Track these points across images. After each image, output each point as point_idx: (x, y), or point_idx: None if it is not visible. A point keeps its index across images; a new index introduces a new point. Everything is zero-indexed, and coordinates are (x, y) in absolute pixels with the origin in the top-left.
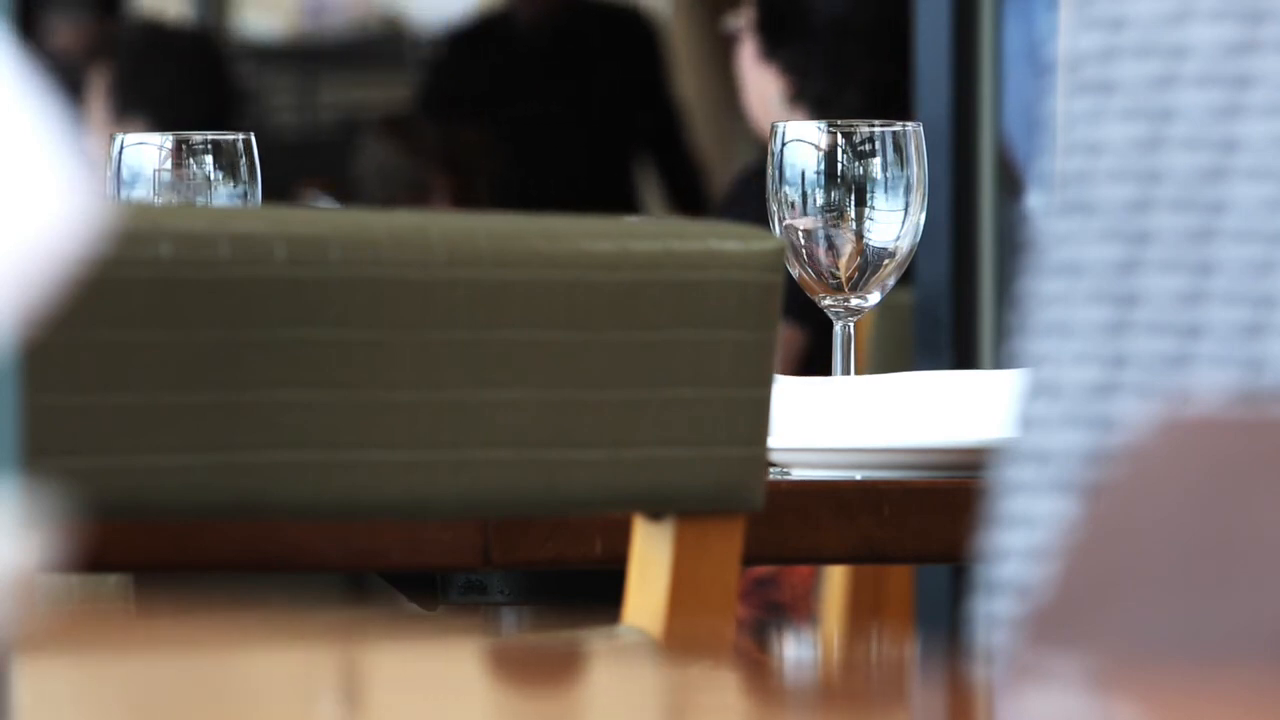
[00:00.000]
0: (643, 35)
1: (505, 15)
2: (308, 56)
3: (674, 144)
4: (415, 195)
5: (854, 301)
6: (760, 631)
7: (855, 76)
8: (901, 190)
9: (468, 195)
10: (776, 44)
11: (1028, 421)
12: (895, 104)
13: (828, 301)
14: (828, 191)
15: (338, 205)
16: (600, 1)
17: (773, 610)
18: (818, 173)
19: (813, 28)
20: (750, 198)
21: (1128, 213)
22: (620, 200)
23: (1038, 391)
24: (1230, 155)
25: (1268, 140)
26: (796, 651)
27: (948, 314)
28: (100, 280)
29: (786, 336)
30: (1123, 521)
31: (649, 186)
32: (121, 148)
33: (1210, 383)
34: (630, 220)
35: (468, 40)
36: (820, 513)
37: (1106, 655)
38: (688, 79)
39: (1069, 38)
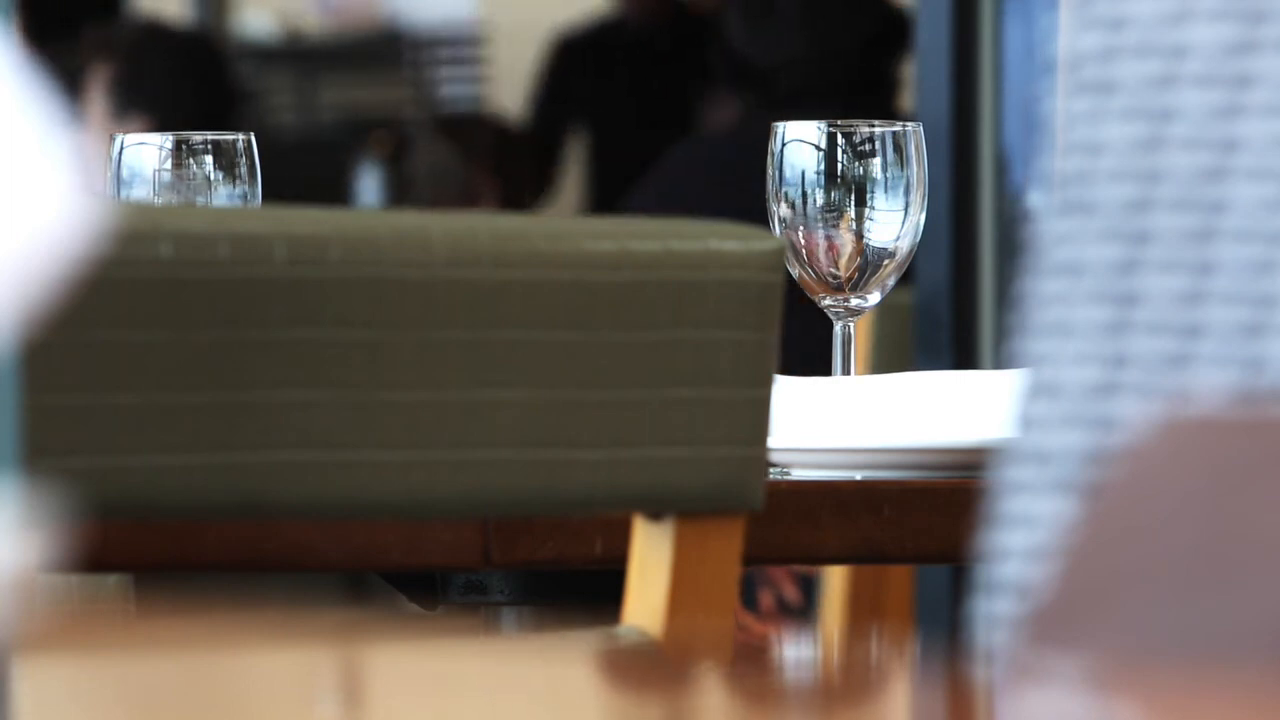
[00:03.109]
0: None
1: (618, 23)
2: (308, 56)
3: None
4: (464, 197)
5: (854, 301)
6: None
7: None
8: (901, 190)
9: (515, 201)
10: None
11: (1028, 421)
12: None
13: (828, 301)
14: (828, 191)
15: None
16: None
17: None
18: (818, 173)
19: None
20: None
21: (1128, 213)
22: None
23: (1038, 391)
24: (1230, 155)
25: (1268, 140)
26: (796, 651)
27: (948, 314)
28: (100, 280)
29: None
30: (1123, 521)
31: None
32: (121, 148)
33: (1210, 383)
34: (630, 220)
35: (576, 47)
36: (820, 513)
37: (1106, 655)
38: None
39: (1069, 38)
